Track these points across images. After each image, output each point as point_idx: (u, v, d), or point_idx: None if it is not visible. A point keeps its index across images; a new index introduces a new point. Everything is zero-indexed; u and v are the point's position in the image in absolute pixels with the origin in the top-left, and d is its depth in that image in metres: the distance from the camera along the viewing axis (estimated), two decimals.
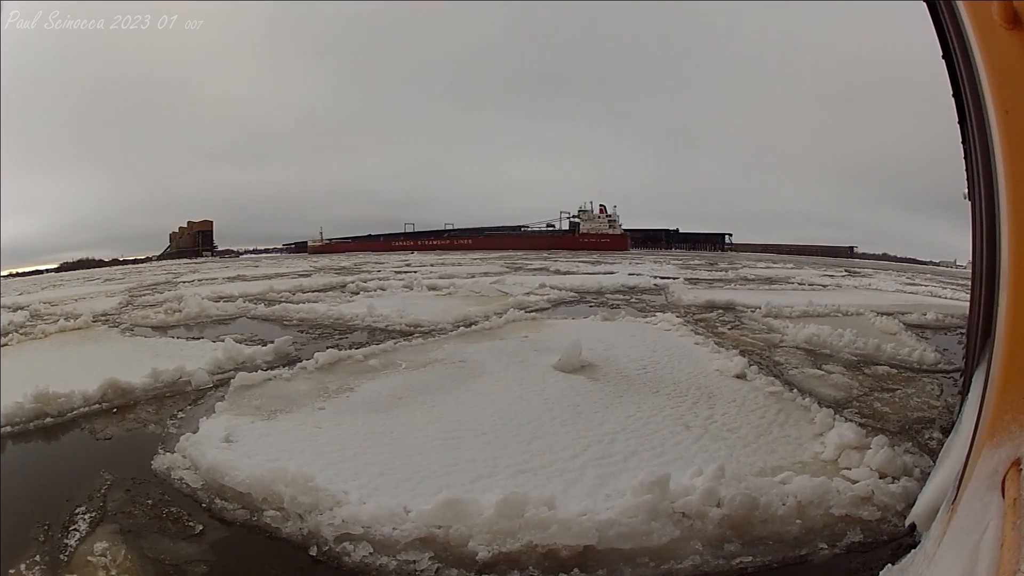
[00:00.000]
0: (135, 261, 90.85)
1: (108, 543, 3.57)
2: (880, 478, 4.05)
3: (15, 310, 16.75)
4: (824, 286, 21.15)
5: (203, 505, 4.13)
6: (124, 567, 3.34)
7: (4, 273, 55.71)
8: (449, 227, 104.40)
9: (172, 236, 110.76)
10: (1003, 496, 2.02)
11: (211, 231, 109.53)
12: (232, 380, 6.92)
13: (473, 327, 10.98)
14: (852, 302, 14.63)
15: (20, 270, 66.69)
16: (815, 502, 3.71)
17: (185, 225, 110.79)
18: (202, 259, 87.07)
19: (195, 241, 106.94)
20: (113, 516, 3.94)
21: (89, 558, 3.40)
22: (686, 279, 23.37)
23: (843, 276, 28.21)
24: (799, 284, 21.90)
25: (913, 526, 3.35)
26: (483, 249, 76.91)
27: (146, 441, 5.40)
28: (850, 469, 4.25)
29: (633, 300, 16.58)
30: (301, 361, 7.90)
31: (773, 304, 13.36)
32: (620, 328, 10.85)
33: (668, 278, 24.06)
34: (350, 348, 8.80)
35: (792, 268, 36.41)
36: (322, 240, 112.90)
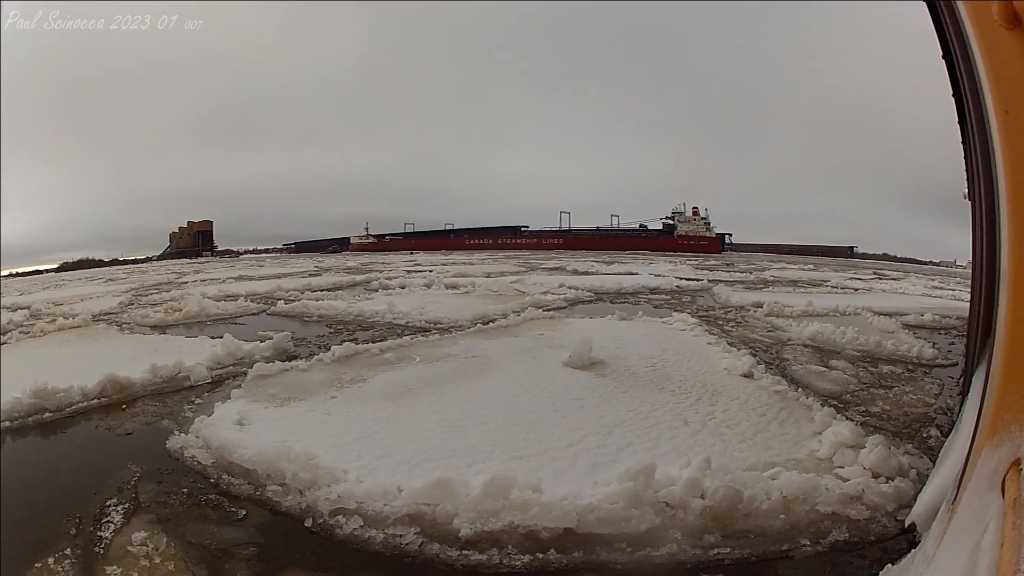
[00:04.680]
0: (135, 261, 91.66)
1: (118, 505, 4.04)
2: (873, 477, 4.12)
3: (15, 310, 17.04)
4: (856, 289, 20.96)
5: (211, 480, 4.50)
6: (128, 519, 3.84)
7: (4, 273, 55.83)
8: (449, 226, 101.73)
9: (172, 236, 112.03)
10: (1003, 496, 2.04)
11: (211, 231, 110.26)
12: (248, 370, 7.33)
13: (491, 324, 11.33)
14: (899, 306, 14.79)
15: (20, 270, 67.14)
16: (801, 498, 3.81)
17: (185, 225, 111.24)
18: (203, 259, 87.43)
19: (195, 241, 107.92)
20: (129, 487, 4.35)
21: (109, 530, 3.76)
22: (710, 280, 23.39)
23: (872, 279, 28.08)
24: (833, 287, 21.69)
25: (913, 526, 3.36)
26: (570, 249, 77.61)
27: (165, 424, 5.85)
28: (843, 467, 4.34)
29: (670, 301, 16.60)
30: (300, 357, 8.19)
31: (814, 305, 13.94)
32: (635, 327, 11.06)
33: (691, 279, 24.12)
34: (368, 343, 9.14)
35: (811, 269, 36.40)
36: (367, 236, 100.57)
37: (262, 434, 5.07)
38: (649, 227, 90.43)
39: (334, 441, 4.89)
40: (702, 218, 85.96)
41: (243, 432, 5.12)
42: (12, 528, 3.74)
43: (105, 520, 3.81)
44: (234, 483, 4.39)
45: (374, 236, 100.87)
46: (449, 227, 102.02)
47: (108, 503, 4.03)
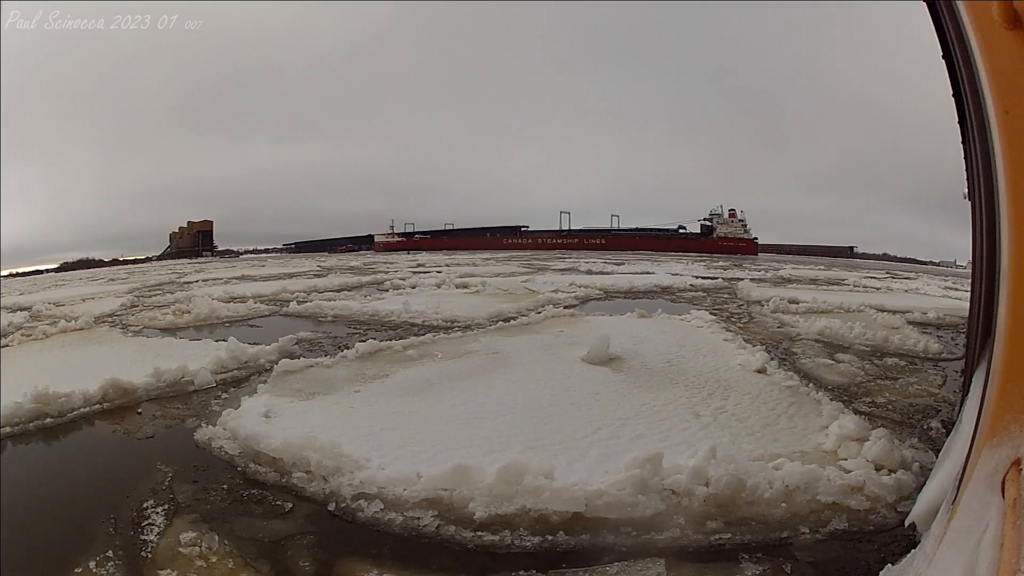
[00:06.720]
0: (135, 261, 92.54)
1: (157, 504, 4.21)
2: (875, 470, 4.34)
3: (15, 311, 17.29)
4: (877, 288, 21.43)
5: (238, 468, 4.85)
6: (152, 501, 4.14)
7: (4, 273, 56.13)
8: (449, 226, 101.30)
9: (172, 236, 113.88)
10: (1003, 496, 2.09)
11: (211, 231, 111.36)
12: (275, 366, 7.76)
13: (511, 322, 11.70)
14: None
15: (20, 270, 67.58)
16: (803, 488, 4.04)
17: (185, 225, 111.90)
18: (203, 259, 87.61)
19: (195, 241, 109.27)
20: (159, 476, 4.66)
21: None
22: (725, 279, 23.81)
23: (887, 278, 28.68)
24: (855, 286, 22.20)
25: (913, 526, 3.40)
26: (613, 250, 78.40)
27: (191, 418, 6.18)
28: (847, 460, 4.56)
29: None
30: (304, 358, 8.31)
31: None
32: (653, 324, 11.46)
33: (707, 278, 24.60)
34: (389, 340, 9.49)
35: (823, 269, 37.09)
36: (392, 234, 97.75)
37: (288, 425, 5.43)
38: (687, 228, 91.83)
39: (357, 432, 5.26)
40: (739, 220, 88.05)
41: (270, 424, 5.48)
42: (54, 532, 3.85)
43: (149, 518, 3.94)
44: (260, 471, 4.73)
45: (400, 235, 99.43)
46: (449, 227, 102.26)
47: (146, 502, 4.15)
